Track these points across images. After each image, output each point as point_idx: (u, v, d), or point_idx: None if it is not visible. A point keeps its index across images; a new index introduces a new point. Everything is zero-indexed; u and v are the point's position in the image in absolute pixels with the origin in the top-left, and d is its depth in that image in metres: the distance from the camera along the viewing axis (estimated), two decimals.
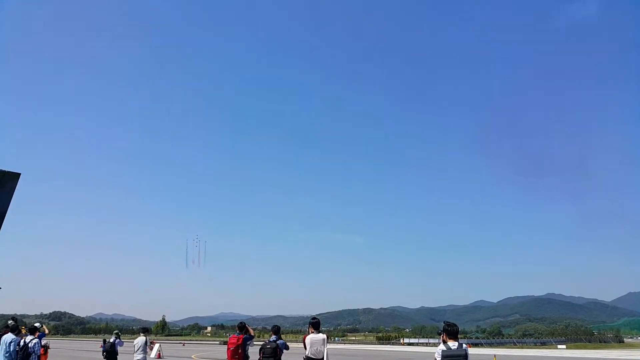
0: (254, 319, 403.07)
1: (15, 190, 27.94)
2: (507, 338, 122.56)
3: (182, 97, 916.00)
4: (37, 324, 18.75)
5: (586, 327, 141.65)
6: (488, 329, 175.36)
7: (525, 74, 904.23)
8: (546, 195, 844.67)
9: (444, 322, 8.37)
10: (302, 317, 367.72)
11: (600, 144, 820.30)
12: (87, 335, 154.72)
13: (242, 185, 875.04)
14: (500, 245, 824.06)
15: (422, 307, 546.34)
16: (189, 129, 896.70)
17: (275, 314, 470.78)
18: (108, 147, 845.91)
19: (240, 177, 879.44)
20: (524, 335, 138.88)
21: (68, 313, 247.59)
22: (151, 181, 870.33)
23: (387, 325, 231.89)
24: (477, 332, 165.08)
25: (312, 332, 10.96)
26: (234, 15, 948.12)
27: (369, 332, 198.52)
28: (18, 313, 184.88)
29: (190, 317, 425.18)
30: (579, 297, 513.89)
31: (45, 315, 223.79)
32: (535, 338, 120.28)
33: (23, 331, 19.69)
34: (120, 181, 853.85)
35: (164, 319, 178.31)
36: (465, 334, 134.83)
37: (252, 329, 13.98)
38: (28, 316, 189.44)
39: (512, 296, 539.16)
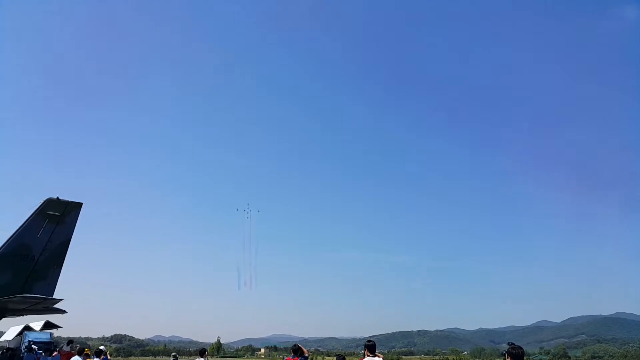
0: (306, 340, 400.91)
1: (78, 218, 29.68)
2: None
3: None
4: (102, 347, 19.64)
5: None
6: (552, 351, 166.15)
7: (574, 84, 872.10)
8: (612, 208, 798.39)
9: (507, 344, 7.96)
10: (354, 339, 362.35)
11: None
12: (147, 358, 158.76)
13: (292, 205, 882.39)
14: (563, 260, 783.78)
15: (480, 328, 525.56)
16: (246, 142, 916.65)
17: (328, 336, 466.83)
18: (162, 171, 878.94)
19: (293, 197, 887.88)
20: (593, 357, 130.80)
21: (128, 336, 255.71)
22: (204, 203, 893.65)
23: (443, 348, 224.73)
24: (541, 354, 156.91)
25: (368, 355, 10.87)
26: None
27: (424, 354, 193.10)
28: (82, 336, 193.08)
29: (244, 339, 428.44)
30: None
31: (107, 338, 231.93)
32: None
33: (88, 353, 20.60)
34: (177, 206, 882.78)
35: (219, 341, 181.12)
36: (528, 356, 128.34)
37: (306, 350, 14.03)
38: (91, 339, 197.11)
39: (577, 315, 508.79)
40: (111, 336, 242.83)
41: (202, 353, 19.45)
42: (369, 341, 11.18)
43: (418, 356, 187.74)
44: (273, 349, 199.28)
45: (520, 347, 7.83)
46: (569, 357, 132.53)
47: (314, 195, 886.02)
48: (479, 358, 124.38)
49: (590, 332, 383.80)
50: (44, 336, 40.56)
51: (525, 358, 7.72)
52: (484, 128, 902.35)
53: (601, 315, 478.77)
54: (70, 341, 34.83)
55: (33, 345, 32.18)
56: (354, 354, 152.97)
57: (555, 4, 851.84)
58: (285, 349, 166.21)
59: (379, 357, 10.94)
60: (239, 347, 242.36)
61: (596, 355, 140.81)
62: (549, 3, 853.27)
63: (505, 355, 7.81)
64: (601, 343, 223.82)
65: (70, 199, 28.62)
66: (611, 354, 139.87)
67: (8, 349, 32.15)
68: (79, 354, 19.24)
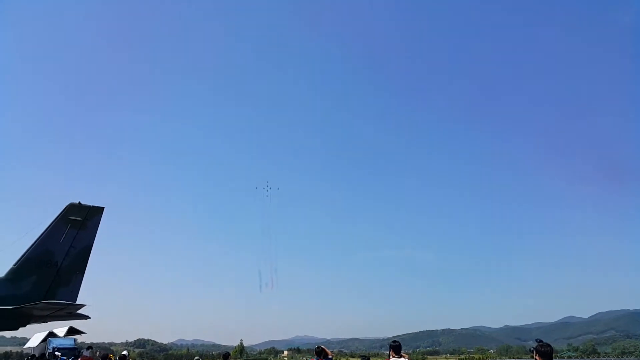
0: (329, 342, 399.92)
1: (100, 223, 29.78)
2: (604, 357, 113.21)
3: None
4: (124, 352, 19.65)
5: None
6: (581, 347, 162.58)
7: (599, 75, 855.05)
8: (636, 199, 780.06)
9: (535, 341, 7.75)
10: (378, 340, 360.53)
11: None
12: None
13: (313, 207, 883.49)
14: (589, 255, 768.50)
15: (506, 326, 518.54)
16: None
17: (351, 337, 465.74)
18: (181, 176, 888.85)
19: (313, 201, 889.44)
20: (624, 353, 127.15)
21: (151, 340, 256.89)
22: (225, 209, 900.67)
23: (469, 347, 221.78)
24: (569, 350, 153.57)
25: (393, 356, 10.56)
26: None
27: (450, 354, 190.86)
28: (106, 341, 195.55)
29: (266, 342, 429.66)
30: None
31: (130, 342, 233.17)
32: (636, 357, 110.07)
33: (112, 358, 20.61)
34: (197, 210, 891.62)
35: (241, 344, 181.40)
36: (556, 353, 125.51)
37: (330, 351, 13.74)
38: (115, 344, 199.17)
39: (605, 310, 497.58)
40: (134, 341, 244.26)
41: (225, 357, 19.32)
42: (394, 342, 10.90)
43: (444, 355, 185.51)
44: (296, 351, 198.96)
45: (549, 345, 7.66)
46: (599, 354, 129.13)
47: (334, 196, 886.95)
48: (506, 356, 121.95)
49: (620, 327, 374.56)
50: (68, 342, 41.01)
51: (553, 355, 7.49)
52: (504, 120, 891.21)
53: (630, 309, 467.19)
54: (89, 346, 35.11)
55: (57, 352, 32.43)
56: (378, 354, 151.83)
57: None
58: (309, 351, 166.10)
59: (404, 357, 10.62)
60: (262, 349, 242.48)
61: (627, 351, 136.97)
62: None
63: (533, 353, 7.66)
64: (631, 339, 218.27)
65: (91, 204, 28.75)
66: None
67: (33, 356, 32.46)
68: (103, 359, 19.23)
